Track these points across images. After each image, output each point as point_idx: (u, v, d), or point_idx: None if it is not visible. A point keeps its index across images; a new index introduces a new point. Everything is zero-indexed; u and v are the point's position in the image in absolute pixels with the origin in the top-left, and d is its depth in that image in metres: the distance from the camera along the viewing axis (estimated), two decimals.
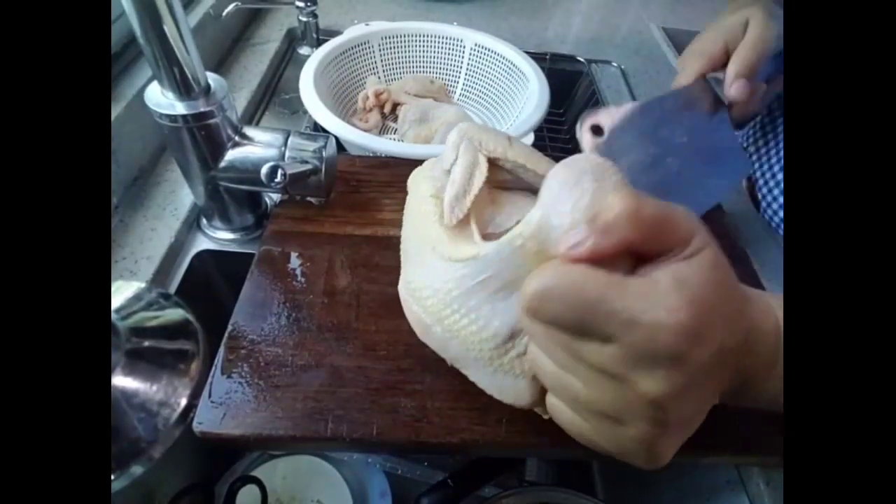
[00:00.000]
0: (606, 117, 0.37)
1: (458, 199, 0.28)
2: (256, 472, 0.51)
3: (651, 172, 0.36)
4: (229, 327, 0.33)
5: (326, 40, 0.62)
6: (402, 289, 0.30)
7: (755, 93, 0.39)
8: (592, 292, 0.18)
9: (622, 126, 0.37)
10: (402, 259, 0.32)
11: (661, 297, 0.17)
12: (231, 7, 0.64)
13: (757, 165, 0.51)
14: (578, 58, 0.77)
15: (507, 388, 0.26)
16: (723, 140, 0.39)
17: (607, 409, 0.20)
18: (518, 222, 0.23)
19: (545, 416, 0.26)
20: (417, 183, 0.33)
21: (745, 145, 0.55)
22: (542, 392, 0.25)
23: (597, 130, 0.35)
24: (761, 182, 0.51)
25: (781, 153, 0.48)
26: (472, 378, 0.28)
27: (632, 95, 0.71)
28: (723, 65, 0.39)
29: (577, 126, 0.35)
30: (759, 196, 0.51)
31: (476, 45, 0.66)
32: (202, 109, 0.34)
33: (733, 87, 0.37)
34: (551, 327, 0.20)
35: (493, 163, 0.30)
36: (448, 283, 0.26)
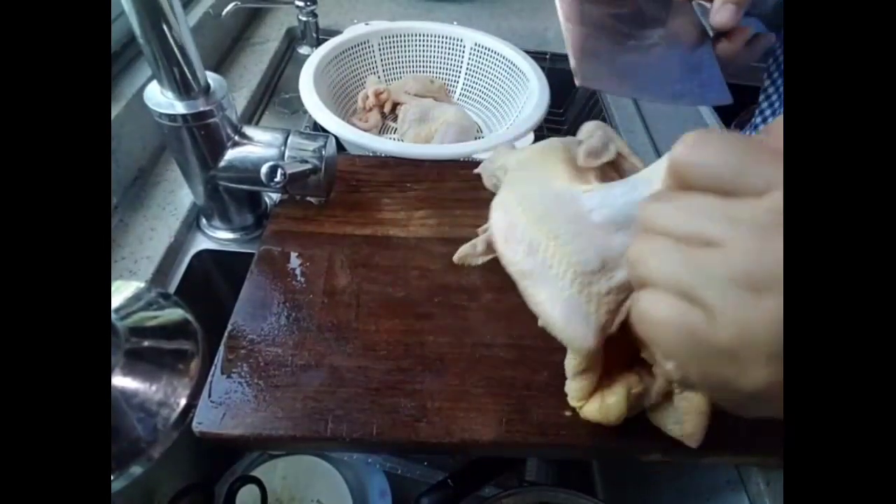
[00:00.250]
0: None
1: (596, 151, 0.29)
2: (256, 472, 0.51)
3: (623, 50, 0.38)
4: (229, 327, 0.33)
5: (326, 40, 0.62)
6: (500, 202, 0.30)
7: (739, 33, 0.37)
8: (745, 141, 0.17)
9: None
10: (505, 183, 0.32)
11: None
12: (231, 7, 0.64)
13: None
14: None
15: (574, 322, 0.24)
16: (706, 69, 0.38)
17: (756, 274, 0.17)
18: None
19: (576, 404, 0.27)
20: (540, 151, 0.32)
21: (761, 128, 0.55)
22: (602, 345, 0.24)
23: None
24: None
25: None
26: (537, 298, 0.26)
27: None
28: None
29: None
30: None
31: (476, 44, 0.66)
32: (202, 109, 0.34)
33: (720, 11, 0.35)
34: (694, 193, 0.18)
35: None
36: (557, 202, 0.26)
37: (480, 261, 0.37)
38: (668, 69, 0.37)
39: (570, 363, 0.27)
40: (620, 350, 0.26)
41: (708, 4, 0.38)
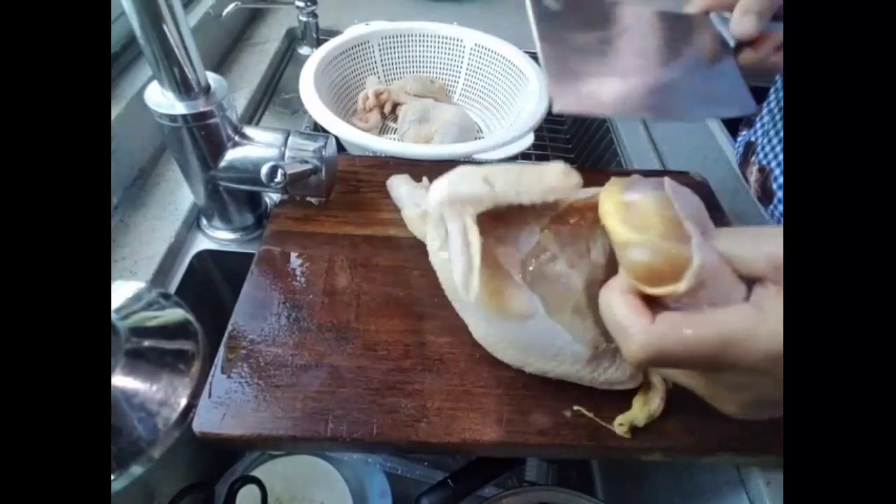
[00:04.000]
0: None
1: (467, 278, 0.27)
2: (256, 472, 0.51)
3: (646, 66, 0.34)
4: (229, 327, 0.33)
5: (326, 40, 0.62)
6: (481, 341, 0.32)
7: (765, 40, 0.35)
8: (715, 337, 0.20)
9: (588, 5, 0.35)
10: (458, 307, 0.33)
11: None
12: (231, 7, 0.64)
13: (772, 156, 0.50)
14: None
15: (617, 380, 0.30)
16: (729, 78, 0.35)
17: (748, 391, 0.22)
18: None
19: (622, 433, 0.30)
20: (425, 235, 0.34)
21: (755, 138, 0.54)
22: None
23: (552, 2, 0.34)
24: (777, 172, 0.49)
25: None
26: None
27: None
28: (731, 5, 0.35)
29: None
30: (774, 187, 0.49)
31: (476, 44, 0.66)
32: (202, 109, 0.34)
33: (741, 21, 0.34)
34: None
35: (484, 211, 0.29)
36: (519, 338, 0.29)
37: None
38: (679, 85, 0.34)
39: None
40: None
41: (728, 14, 0.36)
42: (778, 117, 0.51)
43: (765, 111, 0.54)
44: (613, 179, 0.26)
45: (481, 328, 0.31)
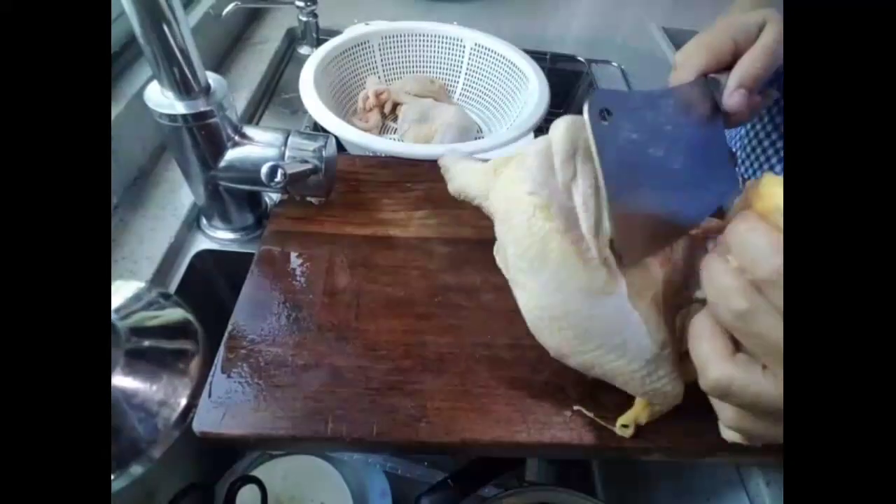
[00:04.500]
0: (615, 100, 0.32)
1: (596, 230, 0.26)
2: (256, 472, 0.51)
3: (655, 168, 0.33)
4: (229, 327, 0.33)
5: (326, 40, 0.62)
6: (532, 315, 0.28)
7: (754, 105, 0.36)
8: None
9: (629, 113, 0.33)
10: (511, 273, 0.29)
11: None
12: (231, 7, 0.64)
13: (755, 169, 0.51)
14: (578, 58, 0.77)
15: (663, 395, 0.28)
16: (715, 151, 0.35)
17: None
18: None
19: (625, 434, 0.29)
20: (507, 187, 0.29)
21: (739, 147, 0.55)
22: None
23: (603, 114, 0.31)
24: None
25: (782, 156, 0.47)
26: (621, 388, 0.29)
27: None
28: (727, 67, 0.35)
29: (585, 106, 0.30)
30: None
31: (476, 44, 0.66)
32: (202, 109, 0.34)
33: (733, 96, 0.34)
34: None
35: None
36: (587, 318, 0.26)
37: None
38: (693, 174, 0.33)
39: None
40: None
41: (721, 78, 0.35)
42: (762, 136, 0.51)
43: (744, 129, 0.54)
44: (774, 179, 0.23)
45: (544, 299, 0.27)
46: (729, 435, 0.26)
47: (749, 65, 0.34)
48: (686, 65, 0.36)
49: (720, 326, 0.23)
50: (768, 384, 0.21)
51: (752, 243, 0.20)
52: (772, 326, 0.20)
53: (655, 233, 0.29)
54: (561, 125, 0.28)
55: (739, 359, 0.22)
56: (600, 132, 0.27)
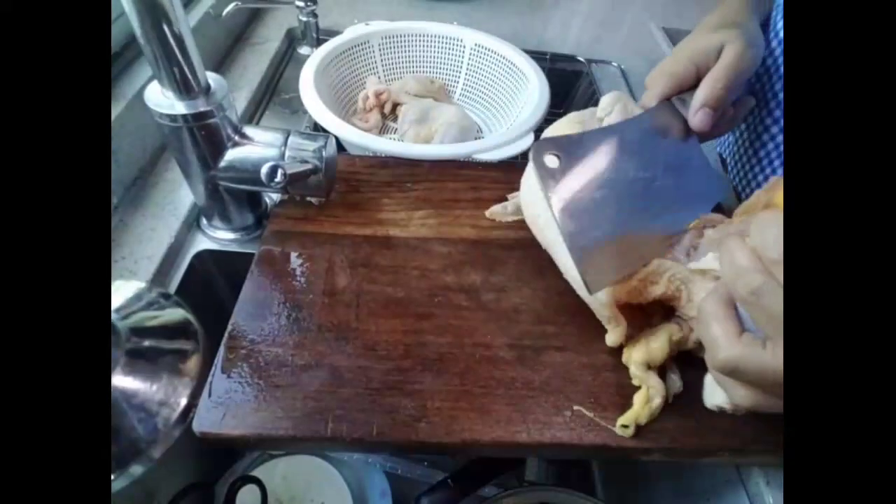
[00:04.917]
0: (564, 146, 0.34)
1: None
2: (256, 472, 0.51)
3: (627, 192, 0.35)
4: (229, 327, 0.33)
5: (326, 40, 0.62)
6: (529, 175, 0.32)
7: (724, 117, 0.38)
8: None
9: (582, 153, 0.34)
10: (553, 236, 0.32)
11: None
12: (231, 7, 0.64)
13: (747, 178, 0.51)
14: (578, 58, 0.77)
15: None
16: (696, 164, 0.37)
17: None
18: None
19: (626, 434, 0.30)
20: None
21: (729, 154, 0.55)
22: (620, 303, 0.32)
23: (554, 159, 0.33)
24: (745, 195, 0.50)
25: (774, 165, 0.48)
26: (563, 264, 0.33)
27: (632, 95, 0.71)
28: (691, 87, 0.37)
29: (532, 153, 0.33)
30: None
31: (476, 44, 0.66)
32: (202, 109, 0.34)
33: (697, 115, 0.36)
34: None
35: None
36: None
37: (510, 219, 0.42)
38: (671, 191, 0.35)
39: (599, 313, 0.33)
40: (655, 305, 0.32)
41: (687, 97, 0.37)
42: (748, 143, 0.52)
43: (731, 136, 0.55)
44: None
45: None
46: (718, 399, 0.29)
47: (711, 85, 0.36)
48: (649, 93, 0.38)
49: (728, 309, 0.26)
50: (769, 357, 0.23)
51: (769, 230, 0.23)
52: (776, 301, 0.22)
53: (624, 258, 0.32)
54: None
55: (745, 338, 0.24)
56: (547, 176, 0.31)
